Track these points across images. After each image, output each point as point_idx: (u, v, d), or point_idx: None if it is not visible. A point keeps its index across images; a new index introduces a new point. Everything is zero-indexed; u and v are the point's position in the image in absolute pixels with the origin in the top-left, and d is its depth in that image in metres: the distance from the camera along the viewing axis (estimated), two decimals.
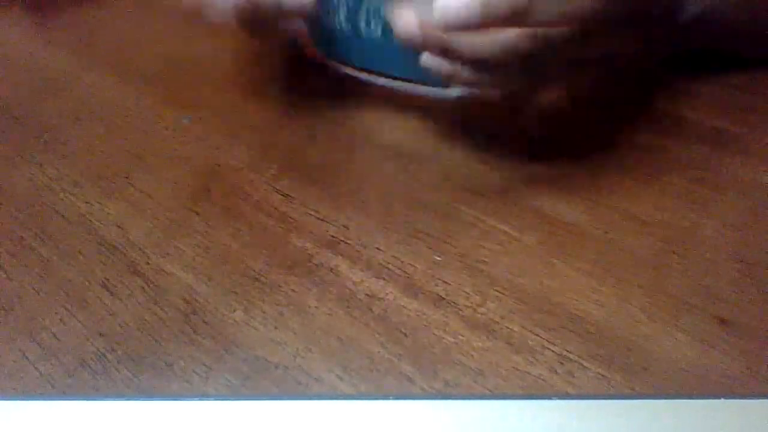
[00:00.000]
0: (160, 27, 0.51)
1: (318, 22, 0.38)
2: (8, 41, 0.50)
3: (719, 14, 0.36)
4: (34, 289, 0.29)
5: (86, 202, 0.34)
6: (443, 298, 0.28)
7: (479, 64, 0.30)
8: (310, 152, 0.37)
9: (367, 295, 0.28)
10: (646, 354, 0.25)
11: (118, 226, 0.32)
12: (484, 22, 0.26)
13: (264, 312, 0.27)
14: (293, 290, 0.28)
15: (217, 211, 0.33)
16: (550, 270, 0.29)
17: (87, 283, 0.29)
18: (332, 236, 0.31)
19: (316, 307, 0.28)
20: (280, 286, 0.29)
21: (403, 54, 0.34)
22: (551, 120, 0.37)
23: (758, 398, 0.23)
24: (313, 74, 0.43)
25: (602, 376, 0.24)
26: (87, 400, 0.24)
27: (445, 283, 0.28)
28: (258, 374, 0.25)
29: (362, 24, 0.37)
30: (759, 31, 0.38)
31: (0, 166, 0.37)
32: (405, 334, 0.26)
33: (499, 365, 0.25)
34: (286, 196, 0.34)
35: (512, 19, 0.26)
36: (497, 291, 0.28)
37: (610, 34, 0.30)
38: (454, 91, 0.38)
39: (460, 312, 0.27)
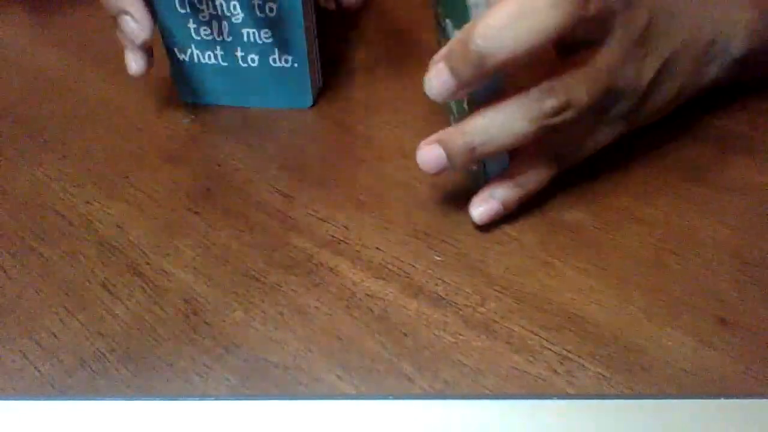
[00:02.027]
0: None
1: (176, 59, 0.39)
2: (8, 41, 0.50)
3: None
4: (34, 289, 0.29)
5: (86, 202, 0.34)
6: (443, 298, 0.28)
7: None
8: (310, 152, 0.37)
9: (367, 295, 0.28)
10: (646, 354, 0.25)
11: (118, 226, 0.32)
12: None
13: (264, 312, 0.27)
14: (293, 290, 0.28)
15: (217, 211, 0.33)
16: (549, 270, 0.29)
17: (87, 283, 0.29)
18: (332, 236, 0.31)
19: (316, 307, 0.28)
20: (280, 286, 0.29)
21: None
22: None
23: (758, 398, 0.23)
24: None
25: (602, 376, 0.24)
26: (87, 400, 0.24)
27: (445, 283, 0.28)
28: (258, 374, 0.25)
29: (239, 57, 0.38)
30: None
31: (0, 166, 0.37)
32: (405, 334, 0.26)
33: (499, 365, 0.25)
34: (286, 196, 0.34)
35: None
36: (497, 291, 0.28)
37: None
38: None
39: (460, 312, 0.27)
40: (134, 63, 0.36)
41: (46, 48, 0.49)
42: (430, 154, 0.29)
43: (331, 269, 0.29)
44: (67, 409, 0.23)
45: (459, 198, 0.32)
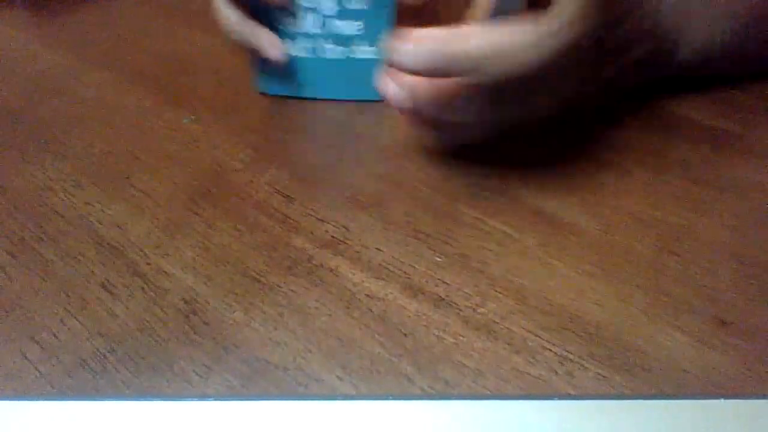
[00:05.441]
0: (160, 27, 0.51)
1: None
2: (8, 41, 0.50)
3: (715, 51, 0.37)
4: (34, 289, 0.29)
5: (86, 202, 0.34)
6: (443, 299, 0.28)
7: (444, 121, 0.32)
8: (310, 152, 0.37)
9: (367, 295, 0.28)
10: (646, 354, 0.25)
11: (118, 226, 0.32)
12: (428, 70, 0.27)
13: (264, 312, 0.27)
14: (293, 290, 0.28)
15: (217, 211, 0.33)
16: (550, 270, 0.29)
17: (87, 283, 0.29)
18: (332, 236, 0.31)
19: (316, 307, 0.28)
20: (280, 287, 0.29)
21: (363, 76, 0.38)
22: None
23: (758, 398, 0.23)
24: None
25: (602, 376, 0.24)
26: (87, 400, 0.24)
27: (445, 283, 0.28)
28: (258, 374, 0.25)
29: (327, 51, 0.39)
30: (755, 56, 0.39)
31: (0, 166, 0.37)
32: (405, 334, 0.26)
33: (499, 365, 0.25)
34: (286, 196, 0.34)
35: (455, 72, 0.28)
36: (497, 291, 0.28)
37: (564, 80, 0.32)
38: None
39: (460, 312, 0.27)
40: (274, 50, 0.37)
41: (46, 48, 0.49)
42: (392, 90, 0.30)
43: (331, 269, 0.29)
44: (67, 409, 0.23)
45: (459, 198, 0.32)
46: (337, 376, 0.25)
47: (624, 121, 0.37)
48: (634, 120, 0.37)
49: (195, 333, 0.27)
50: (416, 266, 0.29)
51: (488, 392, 0.24)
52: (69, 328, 0.27)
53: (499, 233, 0.31)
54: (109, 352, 0.26)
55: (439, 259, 0.29)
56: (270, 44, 0.37)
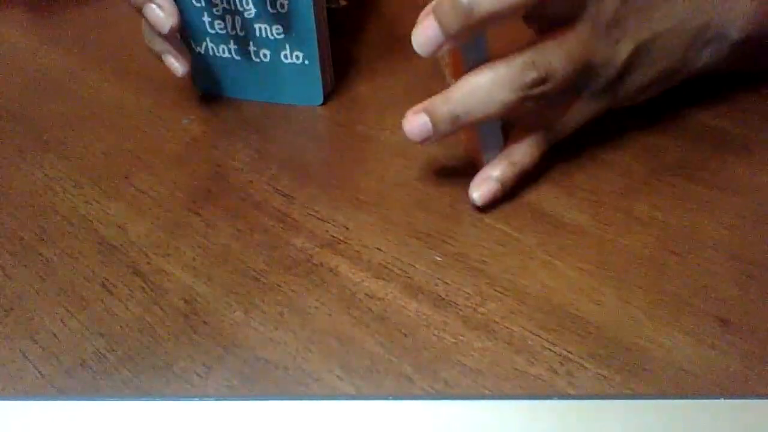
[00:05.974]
0: None
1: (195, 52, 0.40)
2: (8, 41, 0.50)
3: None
4: (34, 289, 0.29)
5: (86, 202, 0.34)
6: (443, 298, 0.28)
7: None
8: (310, 152, 0.37)
9: (367, 295, 0.28)
10: (646, 354, 0.25)
11: (118, 226, 0.32)
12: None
13: (264, 312, 0.27)
14: (293, 290, 0.28)
15: (217, 211, 0.33)
16: (550, 270, 0.29)
17: (87, 283, 0.29)
18: (332, 236, 0.31)
19: (316, 307, 0.28)
20: (280, 286, 0.29)
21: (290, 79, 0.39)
22: None
23: (758, 398, 0.23)
24: None
25: (602, 376, 0.24)
26: (87, 400, 0.24)
27: (445, 283, 0.28)
28: (258, 374, 0.25)
29: (252, 51, 0.39)
30: None
31: (0, 166, 0.37)
32: (405, 334, 0.26)
33: (499, 365, 0.25)
34: (286, 196, 0.34)
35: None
36: (497, 291, 0.28)
37: None
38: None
39: (460, 312, 0.27)
40: (177, 64, 0.37)
41: (46, 48, 0.49)
42: (415, 122, 0.30)
43: (331, 269, 0.29)
44: (67, 409, 0.23)
45: (459, 198, 0.32)
46: (337, 376, 0.25)
47: (624, 121, 0.37)
48: (633, 120, 0.37)
49: (195, 333, 0.27)
50: (416, 266, 0.29)
51: (488, 392, 0.24)
52: (69, 328, 0.27)
53: (499, 233, 0.31)
54: (109, 352, 0.26)
55: (439, 259, 0.29)
56: (175, 60, 0.37)
